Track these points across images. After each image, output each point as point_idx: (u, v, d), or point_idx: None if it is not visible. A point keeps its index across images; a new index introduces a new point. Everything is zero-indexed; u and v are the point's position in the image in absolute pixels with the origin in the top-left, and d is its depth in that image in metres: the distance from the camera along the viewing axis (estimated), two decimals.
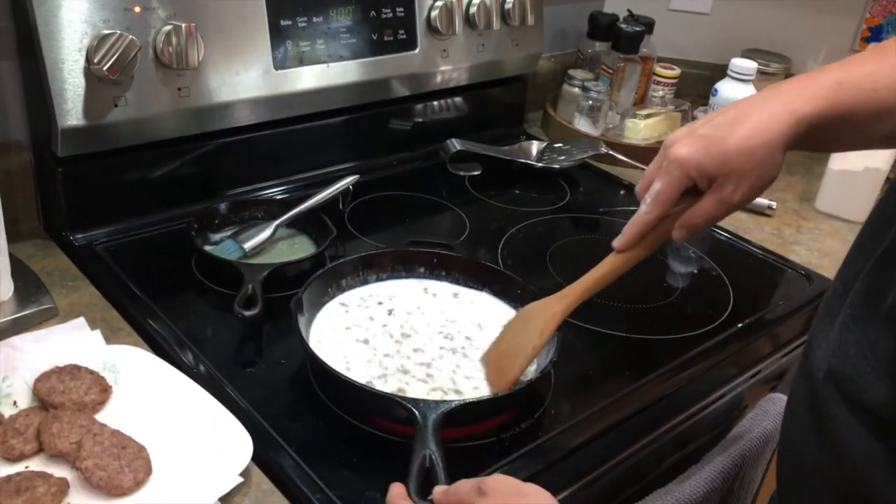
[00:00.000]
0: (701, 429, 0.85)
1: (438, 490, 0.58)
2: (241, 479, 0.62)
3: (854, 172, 1.19)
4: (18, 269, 0.84)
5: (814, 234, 1.17)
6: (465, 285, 0.87)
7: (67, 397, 0.68)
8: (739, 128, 0.62)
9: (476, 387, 0.73)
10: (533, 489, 0.54)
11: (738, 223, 1.18)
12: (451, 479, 0.59)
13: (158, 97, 0.91)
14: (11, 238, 0.91)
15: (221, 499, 0.60)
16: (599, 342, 0.88)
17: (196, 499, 0.60)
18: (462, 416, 0.67)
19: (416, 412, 0.64)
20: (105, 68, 0.84)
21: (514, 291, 0.84)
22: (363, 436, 0.70)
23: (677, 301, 0.97)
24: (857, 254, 0.51)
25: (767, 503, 0.64)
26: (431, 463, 0.61)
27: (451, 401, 0.67)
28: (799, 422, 0.55)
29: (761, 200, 1.22)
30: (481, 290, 0.86)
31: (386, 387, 0.72)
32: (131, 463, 0.62)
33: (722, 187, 0.63)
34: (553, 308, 0.73)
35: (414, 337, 0.79)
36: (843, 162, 1.20)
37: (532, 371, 0.74)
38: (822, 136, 0.62)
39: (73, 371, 0.70)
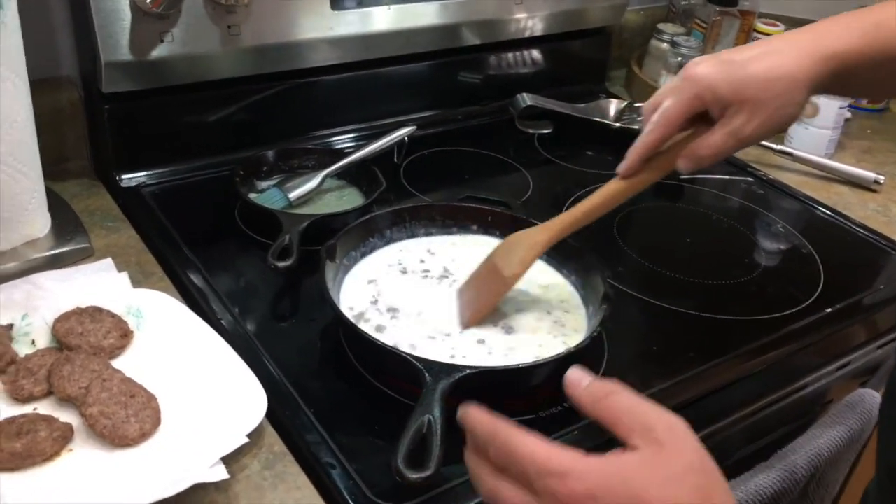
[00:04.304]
0: (775, 422, 0.75)
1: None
2: (246, 440, 0.57)
3: None
4: (59, 207, 0.82)
5: None
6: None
7: (85, 340, 0.65)
8: (764, 59, 0.60)
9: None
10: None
11: (839, 198, 1.06)
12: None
13: (207, 34, 0.87)
14: (59, 176, 0.90)
15: (226, 458, 0.56)
16: (664, 318, 0.79)
17: (198, 457, 0.55)
18: (482, 384, 0.61)
19: (426, 373, 0.58)
20: (149, 0, 0.80)
21: (565, 256, 0.76)
22: (389, 402, 0.65)
23: (758, 279, 0.87)
24: None
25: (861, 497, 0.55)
26: (429, 430, 0.54)
27: (465, 366, 0.60)
28: None
29: (867, 174, 1.09)
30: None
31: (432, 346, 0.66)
32: (138, 413, 0.59)
33: (734, 117, 0.60)
34: (536, 237, 0.69)
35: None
36: None
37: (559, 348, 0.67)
38: (852, 78, 0.61)
39: (95, 313, 0.67)
